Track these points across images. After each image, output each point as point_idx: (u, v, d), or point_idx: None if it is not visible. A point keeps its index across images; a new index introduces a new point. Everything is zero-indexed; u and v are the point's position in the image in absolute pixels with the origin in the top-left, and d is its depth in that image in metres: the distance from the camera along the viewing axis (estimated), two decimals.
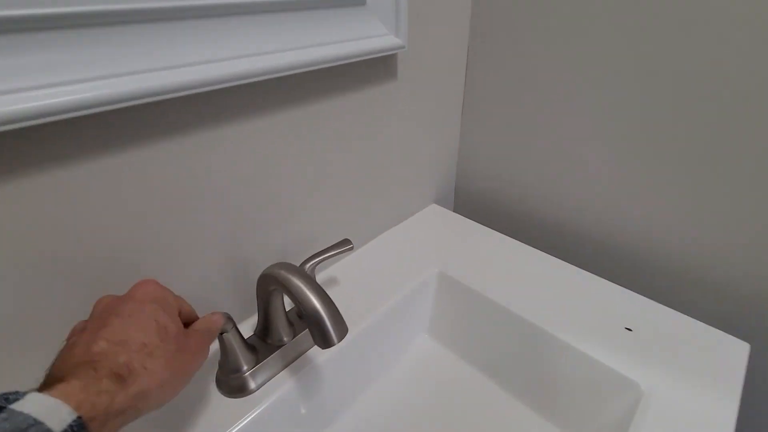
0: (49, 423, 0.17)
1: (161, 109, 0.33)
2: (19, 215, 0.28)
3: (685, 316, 0.47)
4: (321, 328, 0.31)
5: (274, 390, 0.40)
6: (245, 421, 0.38)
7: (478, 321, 0.52)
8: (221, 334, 0.37)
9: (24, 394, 0.19)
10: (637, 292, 0.50)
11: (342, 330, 0.31)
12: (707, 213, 0.50)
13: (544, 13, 0.54)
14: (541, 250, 0.58)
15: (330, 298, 0.32)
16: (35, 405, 0.18)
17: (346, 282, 0.54)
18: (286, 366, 0.43)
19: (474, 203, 0.74)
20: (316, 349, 0.45)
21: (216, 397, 0.40)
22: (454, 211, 0.75)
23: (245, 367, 0.40)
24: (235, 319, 0.39)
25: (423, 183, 0.67)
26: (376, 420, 0.47)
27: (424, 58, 0.55)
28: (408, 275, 0.55)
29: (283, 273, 0.33)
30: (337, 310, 0.32)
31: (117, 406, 0.21)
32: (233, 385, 0.40)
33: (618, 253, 0.60)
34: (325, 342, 0.31)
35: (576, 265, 0.55)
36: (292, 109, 0.42)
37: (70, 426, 0.18)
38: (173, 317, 0.28)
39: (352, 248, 0.45)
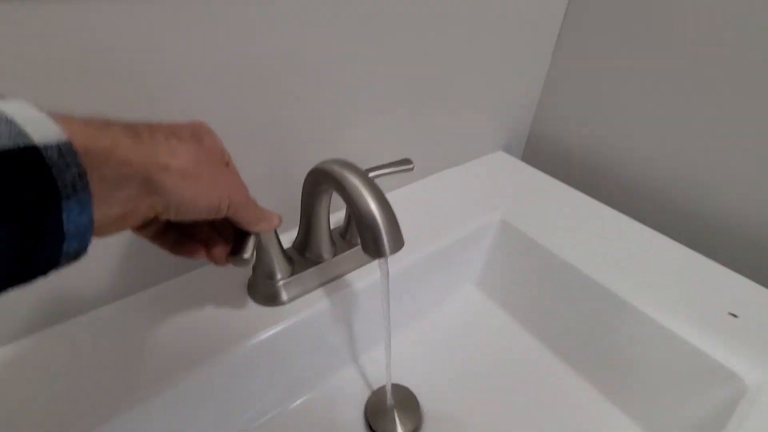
0: (28, 128, 0.13)
1: None
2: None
3: None
4: (374, 234, 0.26)
5: (305, 306, 0.37)
6: (272, 332, 0.35)
7: (540, 279, 0.46)
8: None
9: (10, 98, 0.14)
10: (747, 277, 0.41)
11: (398, 241, 0.26)
12: None
13: None
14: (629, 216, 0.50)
15: (389, 204, 0.27)
16: (15, 107, 0.13)
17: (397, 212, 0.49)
18: (321, 285, 0.39)
19: (547, 155, 0.65)
20: (354, 274, 0.40)
21: (246, 302, 0.37)
22: (523, 160, 0.66)
23: (279, 276, 0.36)
24: (279, 236, 0.35)
25: (495, 122, 0.58)
26: (404, 364, 0.43)
27: None
28: (465, 217, 0.48)
29: (338, 168, 0.28)
30: (396, 218, 0.27)
31: (122, 153, 0.16)
32: (265, 293, 0.36)
33: (725, 230, 0.50)
34: (376, 250, 0.26)
35: (671, 238, 0.46)
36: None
37: (57, 147, 0.13)
38: (211, 143, 0.23)
39: (412, 168, 0.39)
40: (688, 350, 0.35)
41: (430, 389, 0.41)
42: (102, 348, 0.32)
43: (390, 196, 0.50)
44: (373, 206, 0.26)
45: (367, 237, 0.26)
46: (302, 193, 0.34)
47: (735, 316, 0.37)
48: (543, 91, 0.61)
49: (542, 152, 0.66)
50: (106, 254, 0.33)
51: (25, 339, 0.32)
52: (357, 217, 0.26)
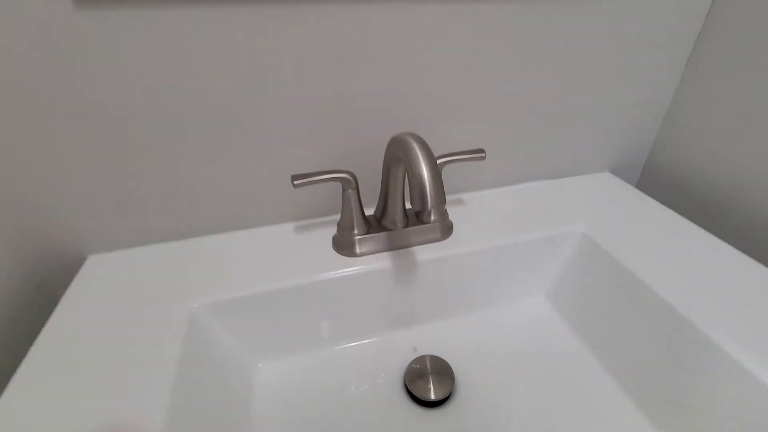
0: None
1: None
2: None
3: None
4: (422, 189, 0.31)
5: (373, 262, 0.44)
6: (343, 274, 0.42)
7: (614, 301, 0.43)
8: (345, 191, 0.42)
9: None
10: None
11: (440, 198, 0.31)
12: None
13: None
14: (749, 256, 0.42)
15: (439, 172, 0.32)
16: None
17: (480, 209, 0.52)
18: (390, 249, 0.45)
19: (664, 184, 0.59)
20: (421, 248, 0.45)
21: (328, 250, 0.46)
22: (637, 187, 0.61)
23: (356, 231, 0.44)
24: (360, 199, 0.43)
25: (603, 141, 0.57)
26: (452, 344, 0.46)
27: None
28: (545, 224, 0.49)
29: (407, 137, 0.35)
30: (441, 182, 0.32)
31: None
32: (343, 242, 0.45)
33: None
34: (421, 201, 0.31)
35: None
36: (469, 3, 0.41)
37: None
38: None
39: (483, 157, 0.43)
40: None
41: (470, 372, 0.43)
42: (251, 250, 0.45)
43: (485, 193, 0.54)
44: (424, 168, 0.32)
45: (416, 192, 0.31)
46: (384, 157, 0.41)
47: None
48: (672, 106, 0.56)
49: (659, 180, 0.59)
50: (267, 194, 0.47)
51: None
52: (410, 175, 0.32)
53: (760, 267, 0.41)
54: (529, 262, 0.48)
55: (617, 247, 0.44)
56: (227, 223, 0.48)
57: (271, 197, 0.48)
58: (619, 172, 0.60)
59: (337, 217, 0.51)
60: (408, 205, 0.51)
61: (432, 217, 0.46)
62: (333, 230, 0.49)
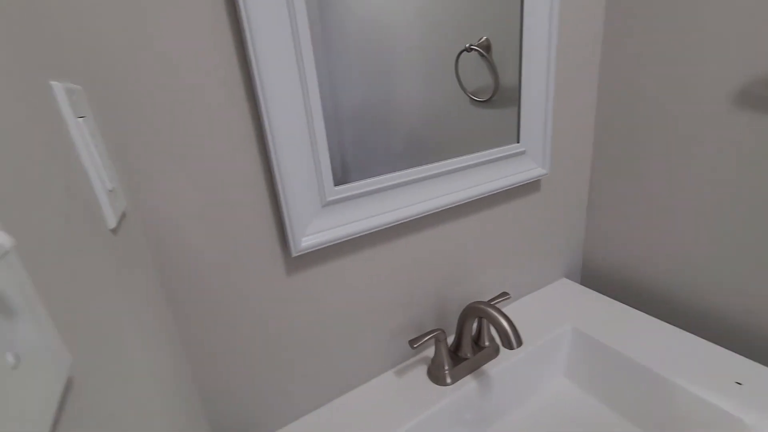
0: None
1: (422, 219, 0.64)
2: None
3: None
4: (508, 338, 0.55)
5: (462, 386, 0.64)
6: (444, 402, 0.62)
7: (607, 369, 0.69)
8: (437, 342, 0.64)
9: None
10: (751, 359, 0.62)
11: (520, 340, 0.55)
12: None
13: (655, 144, 0.76)
14: (655, 317, 0.73)
15: (513, 322, 0.57)
16: None
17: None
18: (468, 373, 0.66)
19: (598, 278, 0.92)
20: (488, 365, 0.68)
21: (425, 382, 0.65)
22: (581, 283, 0.93)
23: (446, 367, 0.65)
24: (447, 345, 0.65)
25: (555, 260, 0.89)
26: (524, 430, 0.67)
27: (558, 177, 0.81)
28: (546, 328, 0.75)
29: (484, 306, 0.59)
30: (517, 329, 0.56)
31: None
32: (438, 376, 0.65)
33: (739, 325, 0.71)
34: (510, 345, 0.55)
35: (687, 331, 0.69)
36: (476, 215, 0.71)
37: None
38: None
39: (509, 297, 0.70)
40: (708, 407, 0.56)
41: None
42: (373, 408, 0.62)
43: (505, 310, 0.80)
44: (505, 324, 0.56)
45: (504, 340, 0.55)
46: (460, 316, 0.65)
47: (740, 384, 0.58)
48: (586, 233, 0.91)
49: (595, 276, 0.93)
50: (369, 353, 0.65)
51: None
52: (498, 330, 0.56)
53: (686, 334, 0.71)
54: (548, 356, 0.73)
55: (595, 331, 0.72)
56: (350, 384, 0.65)
57: (379, 355, 0.67)
58: (569, 275, 0.92)
59: (419, 356, 0.71)
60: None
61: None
62: (422, 366, 0.68)
